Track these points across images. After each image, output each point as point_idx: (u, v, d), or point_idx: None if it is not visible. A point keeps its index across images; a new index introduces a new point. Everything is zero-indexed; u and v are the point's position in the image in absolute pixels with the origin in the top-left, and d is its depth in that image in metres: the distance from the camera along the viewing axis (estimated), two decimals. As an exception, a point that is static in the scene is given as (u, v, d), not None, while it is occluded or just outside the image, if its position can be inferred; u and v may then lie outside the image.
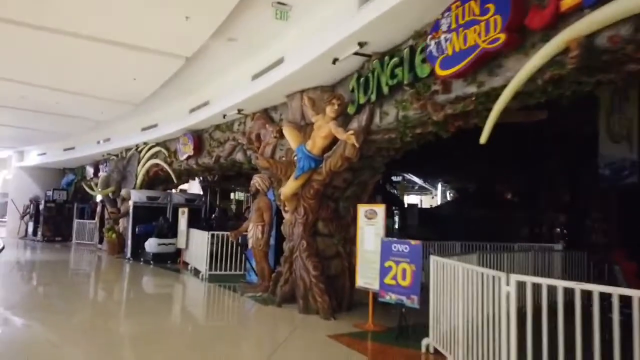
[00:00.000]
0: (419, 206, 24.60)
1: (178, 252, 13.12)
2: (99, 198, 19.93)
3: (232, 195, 21.36)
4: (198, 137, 11.80)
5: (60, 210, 19.92)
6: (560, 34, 3.44)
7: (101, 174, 17.25)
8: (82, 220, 19.23)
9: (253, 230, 8.70)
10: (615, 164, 7.36)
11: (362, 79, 6.24)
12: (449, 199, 26.29)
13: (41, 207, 19.87)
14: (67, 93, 10.27)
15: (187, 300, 9.50)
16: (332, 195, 7.58)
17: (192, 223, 12.64)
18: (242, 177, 16.44)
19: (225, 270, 10.68)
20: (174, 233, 13.15)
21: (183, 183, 16.65)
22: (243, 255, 10.40)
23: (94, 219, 18.23)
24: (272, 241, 9.00)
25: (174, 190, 15.53)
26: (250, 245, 8.84)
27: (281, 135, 8.64)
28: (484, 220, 16.01)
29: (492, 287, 3.80)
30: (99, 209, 17.48)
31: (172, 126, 12.37)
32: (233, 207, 19.95)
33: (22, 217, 20.93)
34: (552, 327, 3.27)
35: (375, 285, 6.22)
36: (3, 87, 10.17)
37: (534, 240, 13.64)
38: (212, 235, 10.61)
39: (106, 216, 15.92)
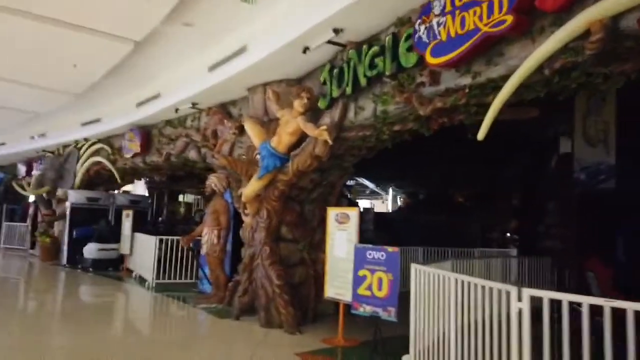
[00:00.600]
0: (374, 211, 24.38)
1: (121, 258, 12.00)
2: (31, 198, 18.25)
3: (180, 198, 20.18)
4: (146, 134, 10.80)
5: (-14, 212, 18.02)
6: (581, 14, 3.01)
7: (34, 172, 15.68)
8: (12, 223, 17.46)
9: (208, 235, 7.90)
10: (590, 167, 7.24)
11: (335, 70, 5.67)
12: (399, 203, 26.27)
13: (-36, 207, 17.89)
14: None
15: (131, 312, 8.52)
16: (296, 197, 6.95)
17: (138, 227, 11.57)
18: (194, 178, 15.48)
19: (175, 278, 9.75)
20: (116, 238, 12.01)
21: (127, 183, 15.43)
22: (195, 263, 9.53)
23: (25, 221, 16.56)
24: (228, 247, 8.23)
25: (117, 191, 14.30)
26: (204, 251, 8.02)
27: (240, 132, 7.94)
28: (438, 225, 15.88)
29: (499, 303, 3.30)
30: (31, 210, 15.89)
31: (117, 121, 11.28)
32: (182, 210, 18.80)
33: (-59, 219, 18.76)
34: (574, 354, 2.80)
35: (347, 296, 5.64)
36: None
37: (487, 246, 13.64)
38: (161, 241, 9.66)
39: (39, 219, 14.44)
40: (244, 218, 7.19)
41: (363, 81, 5.16)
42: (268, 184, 6.51)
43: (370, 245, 5.40)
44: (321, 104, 5.93)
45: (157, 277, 9.62)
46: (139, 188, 19.72)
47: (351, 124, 5.69)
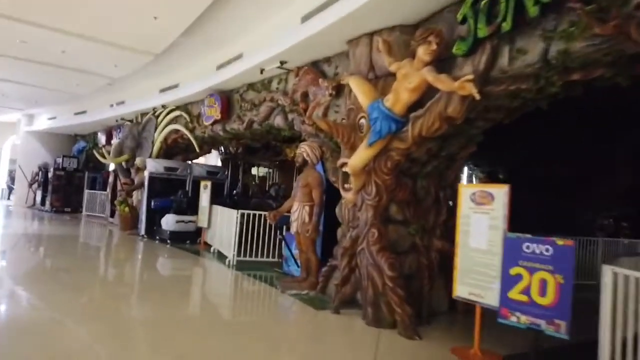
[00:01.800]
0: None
1: (198, 232, 11.39)
2: (111, 167, 18.28)
3: (253, 170, 19.50)
4: (227, 99, 9.89)
5: (70, 179, 18.29)
6: None
7: (114, 140, 15.48)
8: (93, 191, 17.59)
9: (299, 212, 6.84)
10: None
11: (482, 2, 4.25)
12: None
13: (50, 175, 18.26)
14: (73, 36, 8.36)
15: (213, 292, 7.72)
16: (408, 171, 5.66)
17: (214, 199, 10.86)
18: (269, 149, 14.60)
19: (256, 256, 8.89)
20: (193, 209, 11.38)
21: (206, 153, 14.82)
22: (279, 241, 8.58)
23: (105, 189, 16.56)
24: (320, 226, 7.15)
25: (194, 161, 13.71)
26: (293, 230, 6.99)
27: (337, 93, 6.73)
28: (533, 209, 14.02)
29: None
30: (111, 179, 15.77)
31: (196, 86, 10.46)
32: (256, 182, 18.12)
33: (31, 185, 19.35)
34: None
35: (487, 299, 4.35)
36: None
37: (591, 234, 11.78)
38: (242, 215, 8.79)
39: (119, 187, 14.20)
40: (343, 194, 6.03)
41: (533, 11, 3.71)
42: (379, 154, 5.27)
43: (528, 236, 4.04)
44: (458, 48, 4.54)
45: (238, 254, 8.79)
46: (211, 159, 19.28)
47: (501, 74, 4.28)
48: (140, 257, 10.33)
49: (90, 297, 6.30)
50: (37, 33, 8.44)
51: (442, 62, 4.87)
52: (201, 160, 18.60)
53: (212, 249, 10.27)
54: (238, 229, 8.74)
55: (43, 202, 18.55)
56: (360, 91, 5.51)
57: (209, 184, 10.98)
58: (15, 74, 11.93)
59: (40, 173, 19.04)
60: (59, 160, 18.43)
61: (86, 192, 17.67)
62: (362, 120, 5.73)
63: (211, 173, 12.70)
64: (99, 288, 7.03)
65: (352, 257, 5.76)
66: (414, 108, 5.07)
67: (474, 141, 5.75)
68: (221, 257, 9.44)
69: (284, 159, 14.49)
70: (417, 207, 5.70)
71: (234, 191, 14.57)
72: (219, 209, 10.30)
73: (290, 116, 8.01)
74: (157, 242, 11.53)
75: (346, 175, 6.02)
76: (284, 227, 8.16)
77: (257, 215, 8.89)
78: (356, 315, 5.56)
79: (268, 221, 7.45)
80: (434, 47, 4.70)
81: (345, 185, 5.99)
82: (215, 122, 10.07)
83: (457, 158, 5.89)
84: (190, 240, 11.34)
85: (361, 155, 5.29)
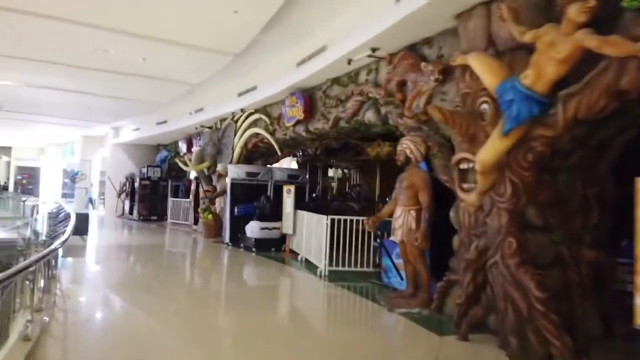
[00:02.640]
0: None
1: (283, 238, 10.80)
2: (192, 175, 18.37)
3: (329, 172, 18.76)
4: (309, 97, 9.16)
5: (154, 188, 18.63)
6: None
7: (194, 148, 15.40)
8: (176, 199, 17.73)
9: (403, 217, 5.91)
10: None
11: None
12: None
13: (136, 184, 18.70)
14: (152, 41, 8.02)
15: (307, 304, 7.00)
16: (548, 165, 4.54)
17: (297, 204, 10.23)
18: (348, 150, 13.75)
19: (348, 265, 8.07)
20: (277, 215, 10.81)
21: (287, 156, 14.30)
22: (374, 249, 7.71)
23: (188, 197, 16.58)
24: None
25: (274, 165, 13.20)
26: (397, 238, 6.06)
27: (445, 78, 5.73)
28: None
29: None
30: (193, 186, 15.73)
31: (275, 86, 9.84)
32: (335, 185, 17.40)
33: (119, 195, 20.00)
34: None
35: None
36: (81, 36, 8.15)
37: None
38: (332, 221, 8.01)
39: (201, 195, 14.04)
40: (462, 195, 5.01)
41: None
42: (515, 145, 4.22)
43: None
44: (632, 1, 3.40)
45: (329, 264, 8.02)
46: (284, 163, 18.79)
47: None
48: (226, 265, 9.89)
49: (179, 305, 6.25)
50: (116, 40, 8.21)
51: (595, 24, 3.73)
52: (278, 164, 18.25)
53: (299, 257, 9.60)
54: (328, 236, 7.98)
55: (131, 211, 19.04)
56: (485, 70, 4.48)
57: (292, 188, 10.35)
58: (98, 86, 12.06)
59: (127, 183, 19.59)
60: (144, 170, 18.82)
61: (170, 200, 17.85)
62: (485, 106, 4.70)
63: (292, 177, 12.10)
64: (187, 297, 6.94)
65: (477, 272, 4.74)
66: (560, 86, 3.97)
67: (631, 126, 4.51)
68: (310, 266, 8.73)
69: (365, 158, 13.57)
70: (561, 210, 4.56)
71: (313, 194, 13.89)
72: (304, 215, 9.63)
73: (383, 110, 7.09)
74: (241, 249, 11.10)
75: (464, 173, 5.01)
76: (380, 234, 7.26)
77: (348, 221, 8.08)
78: (489, 342, 4.53)
79: (366, 228, 6.57)
80: (592, 2, 3.59)
81: (464, 186, 4.97)
82: (297, 122, 9.38)
83: (610, 146, 4.66)
84: (276, 248, 10.78)
85: (494, 147, 4.26)
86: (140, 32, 7.73)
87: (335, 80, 8.38)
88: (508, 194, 4.33)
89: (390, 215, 6.43)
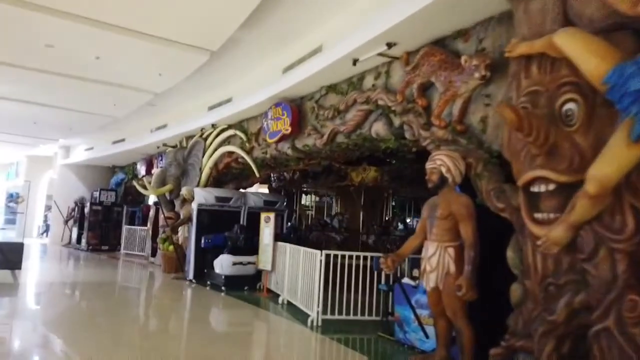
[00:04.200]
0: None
1: (258, 275, 9.07)
2: (151, 199, 16.37)
3: (303, 199, 17.19)
4: (297, 108, 7.67)
5: (107, 214, 16.43)
6: None
7: (155, 170, 13.50)
8: (132, 227, 15.62)
9: (439, 257, 4.38)
10: None
11: None
12: None
13: (86, 210, 16.44)
14: (108, 31, 6.33)
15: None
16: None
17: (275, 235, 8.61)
18: (330, 174, 12.29)
19: (346, 313, 6.43)
20: (252, 248, 9.09)
21: (256, 182, 12.63)
22: (385, 293, 6.11)
23: (146, 225, 14.54)
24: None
25: (248, 190, 11.51)
26: (430, 283, 4.51)
27: (492, 75, 4.38)
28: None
29: None
30: (151, 213, 13.75)
31: (256, 96, 8.31)
32: (310, 213, 15.83)
33: (67, 222, 17.60)
34: None
35: None
36: (17, 22, 6.39)
37: None
38: (328, 257, 6.42)
39: (161, 222, 12.10)
40: (534, 229, 3.56)
41: None
42: (641, 156, 2.83)
43: None
44: None
45: (324, 311, 6.36)
46: (253, 189, 17.00)
47: None
48: (189, 310, 8.02)
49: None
50: (62, 29, 6.47)
51: None
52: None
53: (280, 299, 7.88)
54: (322, 276, 6.36)
55: (79, 240, 16.69)
56: (586, 52, 3.11)
57: (272, 216, 8.71)
58: (44, 93, 10.12)
59: (76, 208, 17.29)
60: (96, 194, 16.63)
61: (125, 227, 15.73)
62: (571, 106, 3.33)
63: (269, 203, 10.45)
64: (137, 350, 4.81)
65: (564, 339, 3.28)
66: None
67: None
68: (294, 311, 7.06)
69: (348, 184, 12.15)
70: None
71: (289, 224, 12.27)
72: (287, 248, 7.98)
73: (397, 120, 5.67)
74: (208, 288, 9.26)
75: (536, 199, 3.59)
76: (399, 275, 5.71)
77: (346, 258, 6.51)
78: None
79: (383, 269, 5.00)
80: None
81: (537, 216, 3.53)
82: (282, 138, 7.82)
83: None
84: (249, 286, 9.02)
85: (619, 158, 2.83)
86: (93, 17, 6.03)
87: (332, 88, 6.94)
88: (629, 229, 2.91)
89: (414, 252, 4.94)
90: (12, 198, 20.73)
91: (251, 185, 11.91)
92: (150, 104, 10.94)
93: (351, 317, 6.41)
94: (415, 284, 5.38)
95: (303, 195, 16.56)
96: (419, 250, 4.79)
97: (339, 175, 12.04)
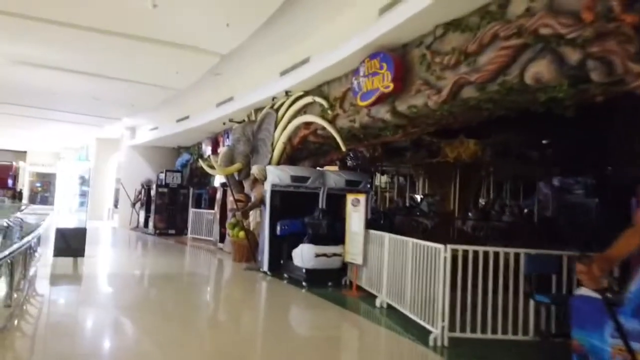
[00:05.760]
0: None
1: (343, 268, 7.50)
2: (218, 181, 15.31)
3: (379, 179, 15.36)
4: (400, 59, 5.86)
5: (173, 197, 15.57)
6: None
7: (221, 149, 12.23)
8: (198, 210, 14.62)
9: None
10: None
11: None
12: None
13: (152, 192, 15.66)
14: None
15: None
16: None
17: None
18: (420, 149, 10.39)
19: (482, 331, 4.65)
20: (335, 236, 7.51)
21: (331, 162, 10.99)
22: (546, 305, 4.28)
23: (213, 208, 13.43)
24: None
25: (326, 168, 9.89)
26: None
27: None
28: None
29: None
30: (218, 195, 12.56)
31: (343, 49, 6.57)
32: (388, 195, 14.04)
33: (134, 205, 16.96)
34: None
35: None
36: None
37: None
38: (455, 254, 4.65)
39: (229, 206, 10.84)
40: None
41: None
42: None
43: None
44: None
45: (451, 327, 4.63)
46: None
47: None
48: (266, 311, 6.58)
49: None
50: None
51: None
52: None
53: (378, 301, 6.24)
54: (449, 279, 4.60)
55: (146, 224, 15.99)
56: None
57: (362, 198, 7.05)
58: (102, 61, 8.98)
59: (143, 191, 16.59)
60: (162, 175, 15.78)
61: (191, 211, 14.77)
62: None
63: (352, 183, 8.79)
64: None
65: None
66: None
67: None
68: (398, 317, 5.41)
69: (440, 161, 10.19)
70: None
71: (381, 209, 10.53)
72: (385, 238, 6.28)
73: (575, 54, 3.73)
74: (285, 282, 7.82)
75: None
76: (607, 288, 3.84)
77: (480, 254, 4.70)
78: None
79: (584, 282, 3.18)
80: None
81: None
82: (379, 98, 6.04)
83: None
84: (333, 282, 7.47)
85: None
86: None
87: (453, 25, 5.05)
88: None
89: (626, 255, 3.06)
90: (84, 181, 20.59)
91: (330, 163, 10.30)
92: (214, 72, 9.56)
93: (490, 336, 4.63)
94: (614, 299, 3.50)
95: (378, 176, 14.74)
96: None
97: (430, 151, 10.10)
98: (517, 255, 4.66)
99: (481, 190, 12.48)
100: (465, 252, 4.69)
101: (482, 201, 12.38)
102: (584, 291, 3.70)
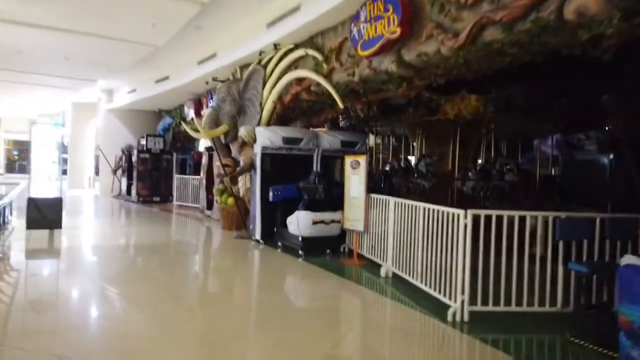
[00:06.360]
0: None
1: (342, 236, 6.98)
2: (202, 144, 14.54)
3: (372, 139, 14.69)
4: (408, 1, 5.11)
5: (156, 163, 14.79)
6: None
7: (204, 111, 11.37)
8: (183, 176, 13.91)
9: None
10: None
11: None
12: None
13: (134, 158, 14.84)
14: None
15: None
16: None
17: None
18: (418, 106, 9.72)
19: (506, 303, 4.17)
20: (332, 202, 6.96)
21: (323, 123, 10.27)
22: (581, 276, 3.80)
23: (198, 174, 12.73)
24: None
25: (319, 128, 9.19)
26: None
27: None
28: None
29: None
30: (204, 160, 11.83)
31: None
32: (382, 156, 13.46)
33: (115, 172, 16.13)
34: None
35: None
36: None
37: None
38: (476, 220, 4.11)
39: (215, 171, 10.16)
40: None
41: None
42: None
43: None
44: None
45: (472, 300, 4.14)
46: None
47: None
48: (260, 283, 6.04)
49: None
50: None
51: None
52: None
53: (383, 271, 5.75)
54: (469, 249, 4.08)
55: (129, 191, 15.25)
56: None
57: (362, 160, 6.44)
58: (70, 15, 7.98)
59: (123, 157, 15.74)
60: (143, 141, 14.91)
61: (176, 177, 14.05)
62: None
63: (347, 144, 8.15)
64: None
65: None
66: None
67: None
68: (405, 288, 4.94)
69: (439, 118, 9.57)
70: None
71: (383, 170, 9.98)
72: (390, 202, 5.73)
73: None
74: (279, 250, 7.29)
75: None
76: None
77: (504, 219, 4.17)
78: None
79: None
80: None
81: None
82: (384, 46, 5.33)
83: None
84: (332, 250, 6.97)
85: None
86: None
87: (474, -45, 4.32)
88: None
89: None
90: (63, 148, 19.55)
91: (322, 124, 9.61)
92: (195, 25, 8.63)
93: (515, 308, 4.16)
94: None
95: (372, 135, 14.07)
96: None
97: (429, 108, 9.47)
98: (545, 219, 4.14)
99: (481, 149, 11.97)
100: (486, 216, 4.14)
101: (480, 161, 11.90)
102: (633, 260, 3.23)
